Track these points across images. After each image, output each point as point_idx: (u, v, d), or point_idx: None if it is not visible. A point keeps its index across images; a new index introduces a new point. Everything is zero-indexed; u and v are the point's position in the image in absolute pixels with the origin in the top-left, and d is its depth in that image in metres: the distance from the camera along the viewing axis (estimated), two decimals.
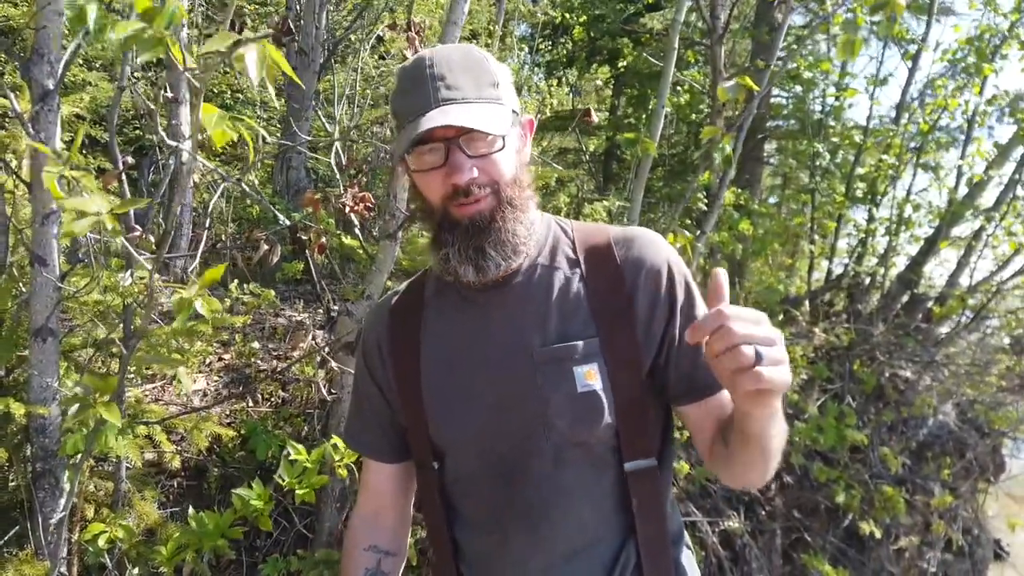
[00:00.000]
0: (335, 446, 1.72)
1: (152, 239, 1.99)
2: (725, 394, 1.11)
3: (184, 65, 1.39)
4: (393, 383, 1.21)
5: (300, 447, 1.68)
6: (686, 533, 1.26)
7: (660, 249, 1.14)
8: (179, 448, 2.81)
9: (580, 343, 1.09)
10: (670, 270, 1.13)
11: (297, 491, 1.70)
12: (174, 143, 1.77)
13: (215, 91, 7.01)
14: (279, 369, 3.27)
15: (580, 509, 1.10)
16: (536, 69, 9.26)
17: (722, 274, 0.88)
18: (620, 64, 7.27)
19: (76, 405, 1.19)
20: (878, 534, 4.10)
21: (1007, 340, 6.10)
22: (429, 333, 1.19)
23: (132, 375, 2.89)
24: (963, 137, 5.80)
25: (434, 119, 1.00)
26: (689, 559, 1.22)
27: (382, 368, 1.22)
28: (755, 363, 0.81)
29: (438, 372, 1.16)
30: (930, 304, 5.62)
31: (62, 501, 2.00)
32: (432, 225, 1.11)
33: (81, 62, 6.69)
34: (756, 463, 1.03)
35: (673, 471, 1.26)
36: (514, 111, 1.10)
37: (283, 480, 1.71)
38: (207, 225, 2.18)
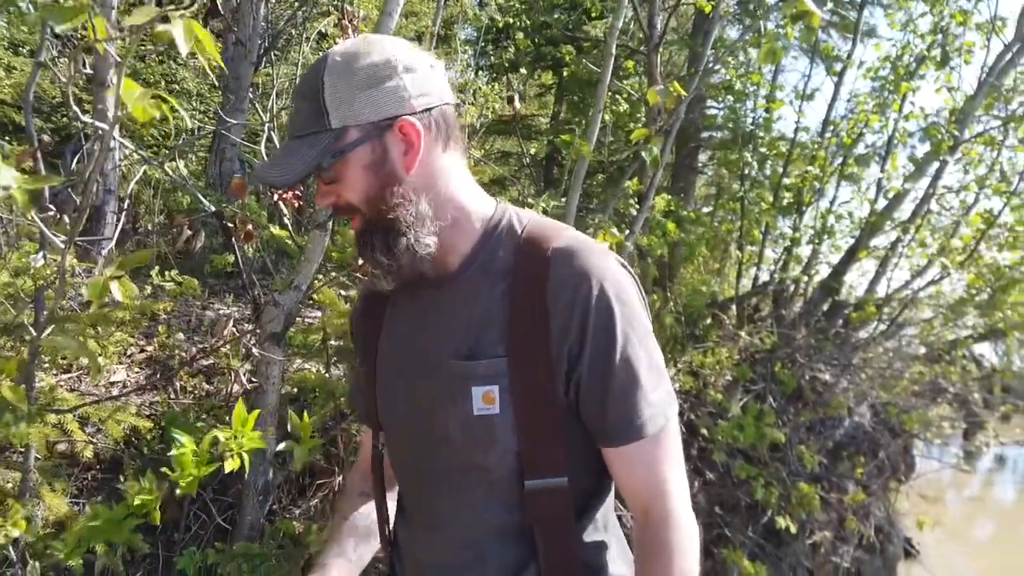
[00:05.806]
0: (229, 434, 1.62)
1: (68, 221, 1.94)
2: (637, 447, 1.01)
3: (105, 36, 1.37)
4: (360, 357, 1.24)
5: (189, 438, 1.60)
6: (623, 562, 1.13)
7: (596, 272, 1.00)
8: (94, 440, 2.73)
9: (484, 362, 1.02)
10: (592, 299, 0.99)
11: (180, 484, 1.58)
12: (99, 124, 1.74)
13: (148, 81, 6.84)
14: (201, 359, 3.20)
15: (474, 527, 1.08)
16: (480, 73, 9.30)
17: None
18: (564, 72, 7.38)
19: None
20: (794, 529, 4.25)
21: (922, 349, 6.42)
22: (388, 319, 1.18)
23: (47, 363, 2.79)
24: (884, 152, 6.08)
25: (261, 174, 1.03)
26: None
27: (357, 341, 1.26)
28: None
29: (384, 360, 1.18)
30: (848, 311, 5.86)
31: None
32: None
33: (7, 45, 6.44)
34: None
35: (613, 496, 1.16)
36: (372, 122, 0.98)
37: (170, 472, 1.61)
38: (126, 207, 2.14)
